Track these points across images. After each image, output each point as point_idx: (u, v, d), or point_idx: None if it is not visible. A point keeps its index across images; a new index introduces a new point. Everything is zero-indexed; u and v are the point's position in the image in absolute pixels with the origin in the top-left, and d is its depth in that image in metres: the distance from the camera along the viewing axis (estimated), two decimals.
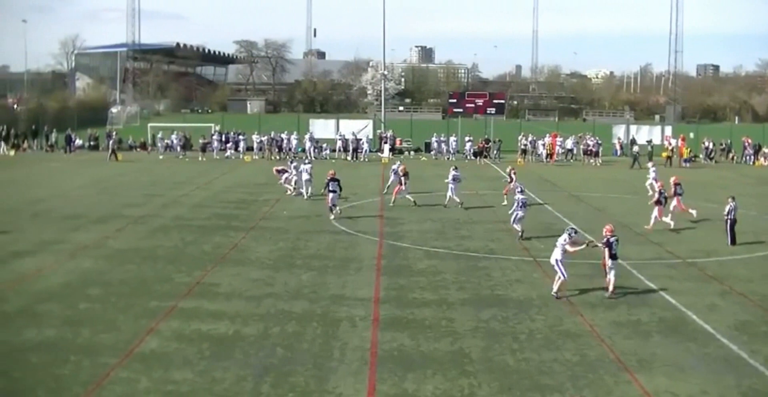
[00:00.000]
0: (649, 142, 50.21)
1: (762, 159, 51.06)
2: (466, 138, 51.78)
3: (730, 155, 52.53)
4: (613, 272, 16.84)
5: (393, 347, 13.31)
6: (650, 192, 30.88)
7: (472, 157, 49.56)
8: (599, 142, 50.23)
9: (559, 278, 16.71)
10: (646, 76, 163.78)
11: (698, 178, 41.68)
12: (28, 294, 16.26)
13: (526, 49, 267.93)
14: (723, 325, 14.83)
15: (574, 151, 51.35)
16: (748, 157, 51.67)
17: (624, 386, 11.81)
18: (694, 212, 26.08)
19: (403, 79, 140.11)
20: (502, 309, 15.71)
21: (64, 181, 35.88)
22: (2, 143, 51.74)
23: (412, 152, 53.80)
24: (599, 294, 16.88)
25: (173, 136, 52.35)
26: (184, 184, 35.22)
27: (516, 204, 23.30)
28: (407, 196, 28.91)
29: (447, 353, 13.13)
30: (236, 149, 50.45)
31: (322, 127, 54.89)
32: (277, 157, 47.37)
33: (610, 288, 16.74)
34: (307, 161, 31.86)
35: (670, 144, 49.66)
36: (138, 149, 54.22)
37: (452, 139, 51.67)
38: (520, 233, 23.05)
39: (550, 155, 49.76)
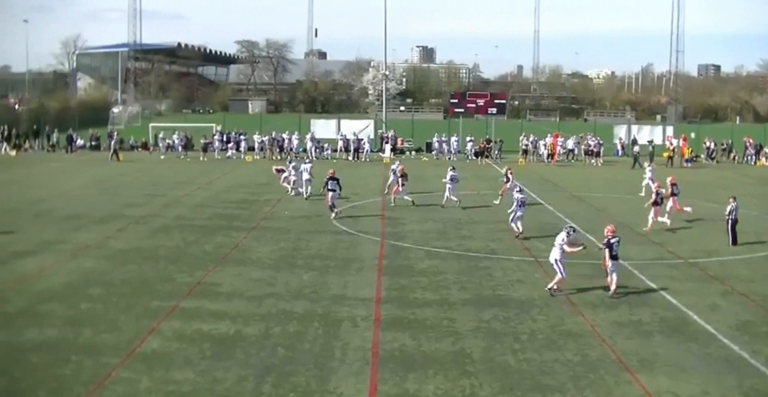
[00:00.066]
0: (651, 142, 50.16)
1: (763, 159, 51.04)
2: (468, 138, 51.81)
3: (732, 155, 52.51)
4: (614, 273, 16.86)
5: (394, 347, 13.31)
6: (643, 193, 30.98)
7: (474, 158, 49.58)
8: (600, 142, 50.24)
9: (558, 276, 16.82)
10: (648, 76, 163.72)
11: (699, 178, 41.68)
12: (30, 294, 16.27)
13: (528, 49, 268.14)
14: (724, 325, 14.83)
15: (576, 152, 51.35)
16: (749, 158, 51.65)
17: (625, 387, 11.81)
18: (689, 209, 26.16)
19: (404, 79, 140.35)
20: (504, 309, 15.71)
21: (66, 182, 35.90)
22: (4, 143, 51.81)
23: (413, 152, 53.79)
24: (600, 294, 16.88)
25: (174, 137, 52.34)
26: (185, 184, 35.24)
27: (515, 203, 23.34)
28: (405, 196, 28.94)
29: (448, 353, 13.13)
30: (237, 149, 50.47)
31: (323, 128, 54.93)
32: (279, 157, 47.37)
33: (612, 287, 16.77)
34: (307, 161, 31.89)
35: (671, 144, 49.65)
36: (139, 149, 54.24)
37: (453, 139, 51.67)
38: (518, 232, 23.10)
39: (551, 155, 49.74)
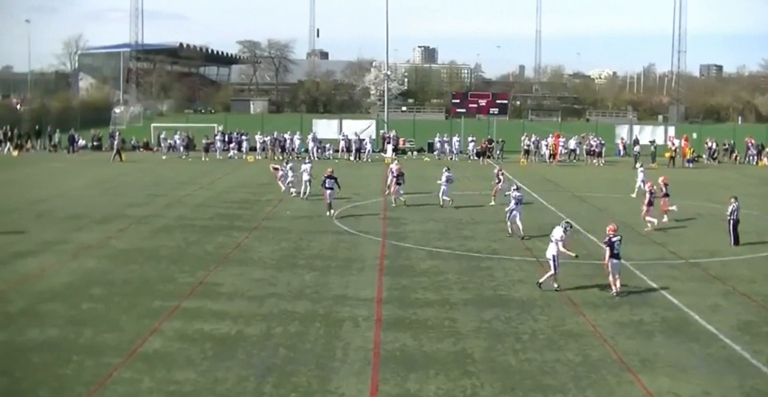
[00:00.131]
0: (653, 142, 50.19)
1: (765, 159, 50.97)
2: (469, 138, 51.85)
3: (733, 155, 52.46)
4: (617, 272, 16.86)
5: (395, 348, 13.32)
6: (635, 194, 31.14)
7: (475, 158, 49.60)
8: (602, 142, 50.26)
9: (551, 272, 17.09)
10: (649, 76, 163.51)
11: (701, 178, 41.70)
12: (31, 294, 16.29)
13: (529, 49, 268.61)
14: (726, 325, 14.82)
15: (577, 152, 51.37)
16: (751, 158, 51.61)
17: (626, 387, 11.80)
18: (674, 207, 26.29)
19: (406, 80, 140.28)
20: (505, 309, 15.71)
21: (67, 182, 35.94)
22: (8, 144, 51.87)
23: (415, 152, 53.81)
24: (602, 294, 16.88)
25: (176, 137, 52.39)
26: (187, 184, 35.27)
27: (512, 201, 23.42)
28: (399, 197, 29.02)
29: (449, 353, 13.13)
30: (239, 149, 50.53)
31: (325, 128, 55.02)
32: (280, 158, 47.38)
33: (616, 286, 16.78)
34: (307, 161, 31.92)
35: (673, 144, 49.64)
36: (141, 149, 54.30)
37: (455, 139, 51.66)
38: (515, 232, 23.25)
39: (553, 156, 49.76)
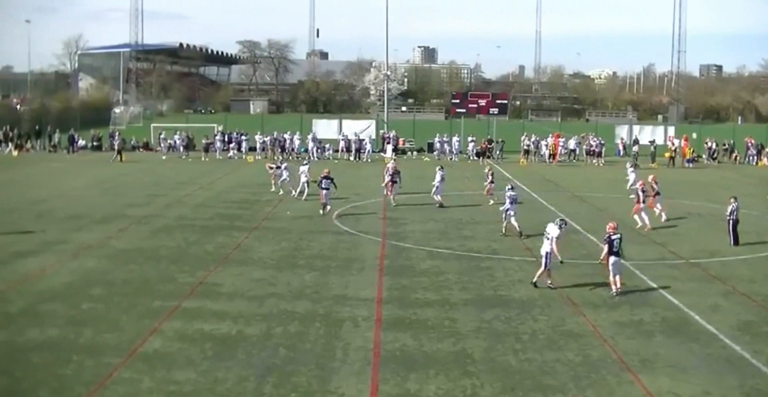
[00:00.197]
0: (652, 142, 50.23)
1: (765, 159, 50.99)
2: (469, 138, 51.87)
3: (733, 156, 52.46)
4: (617, 271, 16.89)
5: (395, 348, 13.32)
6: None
7: (475, 158, 49.60)
8: (602, 142, 50.28)
9: (541, 269, 17.26)
10: (649, 76, 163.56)
11: (701, 178, 41.72)
12: (31, 294, 16.29)
13: (529, 49, 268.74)
14: (726, 325, 14.82)
15: (577, 152, 51.39)
16: (751, 158, 51.62)
17: (626, 387, 11.81)
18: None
19: (405, 80, 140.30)
20: (505, 309, 15.72)
21: (67, 182, 35.94)
22: (9, 145, 51.89)
23: (414, 153, 53.82)
24: (602, 294, 16.89)
25: (176, 137, 52.41)
26: (187, 184, 35.27)
27: (508, 201, 23.48)
28: (390, 194, 29.29)
29: (449, 353, 13.13)
30: (239, 150, 50.54)
31: (325, 128, 55.05)
32: (280, 158, 47.36)
33: (617, 285, 16.80)
34: (305, 162, 31.96)
35: (673, 144, 49.68)
36: (141, 150, 54.30)
37: (455, 139, 51.67)
38: (509, 231, 23.35)
39: (552, 156, 49.78)
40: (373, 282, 17.75)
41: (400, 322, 14.80)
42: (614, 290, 16.78)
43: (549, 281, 17.32)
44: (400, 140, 54.69)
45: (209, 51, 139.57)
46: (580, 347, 13.47)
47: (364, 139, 50.74)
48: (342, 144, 51.44)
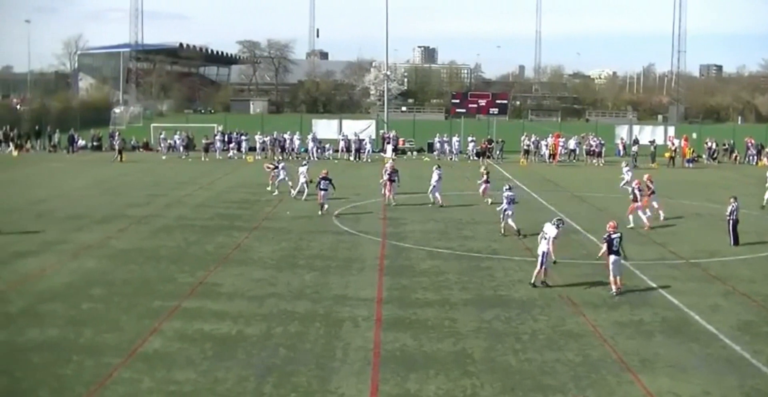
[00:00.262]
0: (652, 142, 50.24)
1: (765, 159, 50.95)
2: (469, 138, 51.88)
3: (733, 156, 52.47)
4: (617, 271, 16.91)
5: (395, 348, 13.32)
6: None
7: (475, 158, 49.58)
8: (602, 142, 50.28)
9: (537, 268, 17.32)
10: (649, 76, 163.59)
11: (701, 178, 41.73)
12: (31, 294, 16.29)
13: (529, 49, 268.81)
14: (726, 325, 14.82)
15: (577, 152, 51.41)
16: (751, 158, 51.61)
17: (626, 387, 11.81)
18: (662, 212, 26.62)
19: (405, 80, 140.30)
20: (505, 309, 15.72)
21: (67, 182, 35.95)
22: (10, 145, 51.89)
23: (414, 153, 53.82)
24: (602, 294, 16.89)
25: (176, 137, 52.42)
26: (186, 184, 35.27)
27: (505, 201, 23.50)
28: (384, 193, 29.43)
29: (449, 353, 13.13)
30: (239, 150, 50.54)
31: (325, 128, 55.06)
32: (280, 158, 47.36)
33: (617, 285, 16.83)
34: (304, 163, 31.96)
35: (673, 144, 49.70)
36: (141, 150, 54.30)
37: (455, 139, 51.68)
38: (506, 231, 23.39)
39: (552, 156, 49.79)
40: (373, 282, 17.75)
41: (400, 322, 14.80)
42: (614, 290, 16.81)
43: (543, 278, 17.41)
44: (400, 140, 54.70)
45: (209, 51, 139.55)
46: (580, 347, 13.47)
47: (364, 140, 50.74)
48: (342, 144, 51.44)
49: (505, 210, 23.48)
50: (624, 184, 31.87)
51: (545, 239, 17.38)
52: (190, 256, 20.24)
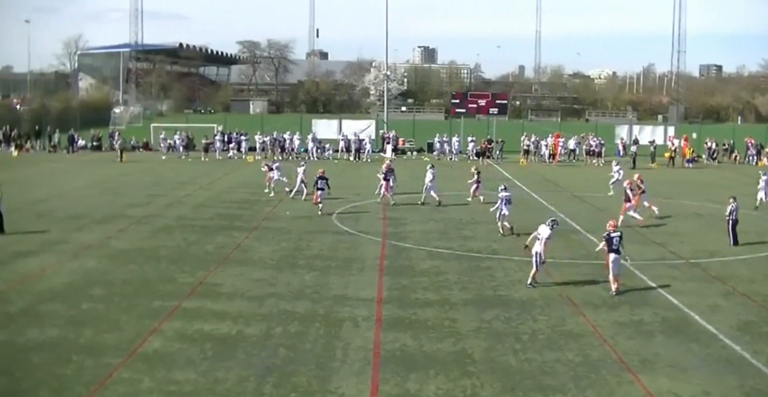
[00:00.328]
0: (652, 142, 50.25)
1: (765, 159, 50.97)
2: (469, 138, 51.88)
3: (733, 156, 52.48)
4: (616, 269, 16.93)
5: (395, 348, 13.32)
6: (612, 192, 31.59)
7: (475, 158, 49.57)
8: (602, 142, 50.31)
9: (533, 268, 17.40)
10: (649, 76, 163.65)
11: (701, 178, 41.73)
12: (31, 294, 16.29)
13: (529, 49, 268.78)
14: (726, 325, 14.82)
15: (577, 152, 51.45)
16: (750, 158, 51.62)
17: (626, 387, 11.81)
18: (655, 207, 26.78)
19: (405, 80, 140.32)
20: (505, 310, 15.72)
21: (67, 182, 35.95)
22: (9, 144, 51.88)
23: (414, 153, 53.82)
24: (601, 294, 16.89)
25: (176, 137, 52.42)
26: (186, 184, 35.27)
27: (500, 201, 23.51)
28: (379, 192, 29.40)
29: (449, 353, 13.13)
30: (239, 150, 50.54)
31: (324, 128, 55.09)
32: (280, 158, 47.34)
33: (617, 285, 16.85)
34: (302, 163, 31.96)
35: (672, 144, 49.71)
36: (141, 150, 54.31)
37: (455, 139, 51.69)
38: (504, 231, 23.40)
39: (552, 156, 49.81)
40: (373, 282, 17.75)
41: (400, 322, 14.80)
42: (614, 290, 16.81)
43: (532, 279, 17.53)
44: (400, 140, 54.72)
45: (209, 51, 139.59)
46: (580, 347, 13.47)
47: (363, 140, 50.74)
48: (342, 144, 51.45)
49: (501, 210, 23.50)
50: (613, 183, 32.24)
51: (538, 239, 17.45)
52: (190, 256, 20.23)
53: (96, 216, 25.94)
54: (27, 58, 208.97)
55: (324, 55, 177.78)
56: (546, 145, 50.52)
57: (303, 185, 29.89)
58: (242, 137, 52.05)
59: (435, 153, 51.73)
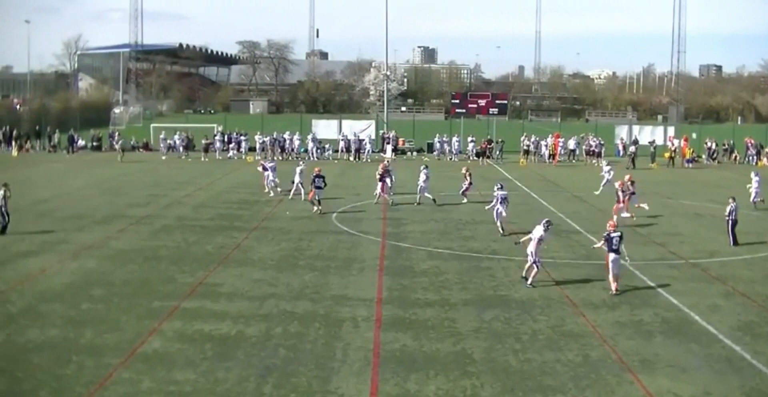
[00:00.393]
0: (652, 142, 50.25)
1: (764, 159, 50.99)
2: (469, 139, 51.89)
3: (733, 156, 52.48)
4: (615, 268, 16.94)
5: (395, 348, 13.32)
6: (599, 192, 31.90)
7: (475, 158, 49.58)
8: (602, 142, 50.29)
9: (533, 268, 17.51)
10: (649, 76, 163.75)
11: (701, 178, 41.73)
12: (32, 294, 16.29)
13: (529, 49, 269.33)
14: (726, 326, 14.82)
15: (577, 152, 51.44)
16: (750, 158, 51.62)
17: (626, 387, 11.81)
18: (645, 205, 26.81)
19: (405, 80, 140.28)
20: (505, 310, 15.72)
21: (67, 182, 35.94)
22: (10, 144, 51.88)
23: (414, 153, 53.81)
24: (602, 294, 16.89)
25: (176, 137, 52.42)
26: (186, 184, 35.27)
27: (495, 200, 23.53)
28: (376, 193, 29.58)
29: (449, 353, 13.13)
30: (239, 150, 50.53)
31: (324, 128, 55.09)
32: (280, 158, 47.33)
33: (616, 285, 16.86)
34: (301, 163, 31.94)
35: (672, 144, 49.71)
36: (141, 150, 54.30)
37: (455, 139, 51.69)
38: (505, 231, 23.40)
39: (552, 156, 49.81)
40: (373, 282, 17.75)
41: (400, 322, 14.80)
42: (613, 289, 16.82)
43: (524, 275, 17.71)
44: (400, 140, 54.71)
45: (209, 51, 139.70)
46: (580, 348, 13.47)
47: (363, 140, 50.74)
48: (342, 144, 51.45)
49: (497, 210, 23.53)
50: (605, 183, 32.34)
51: (531, 239, 17.49)
52: (190, 256, 20.23)
53: (96, 216, 25.94)
54: (27, 59, 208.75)
55: (324, 55, 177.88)
56: (546, 146, 50.52)
57: (300, 186, 29.86)
58: (242, 137, 52.03)
59: (435, 153, 51.72)
